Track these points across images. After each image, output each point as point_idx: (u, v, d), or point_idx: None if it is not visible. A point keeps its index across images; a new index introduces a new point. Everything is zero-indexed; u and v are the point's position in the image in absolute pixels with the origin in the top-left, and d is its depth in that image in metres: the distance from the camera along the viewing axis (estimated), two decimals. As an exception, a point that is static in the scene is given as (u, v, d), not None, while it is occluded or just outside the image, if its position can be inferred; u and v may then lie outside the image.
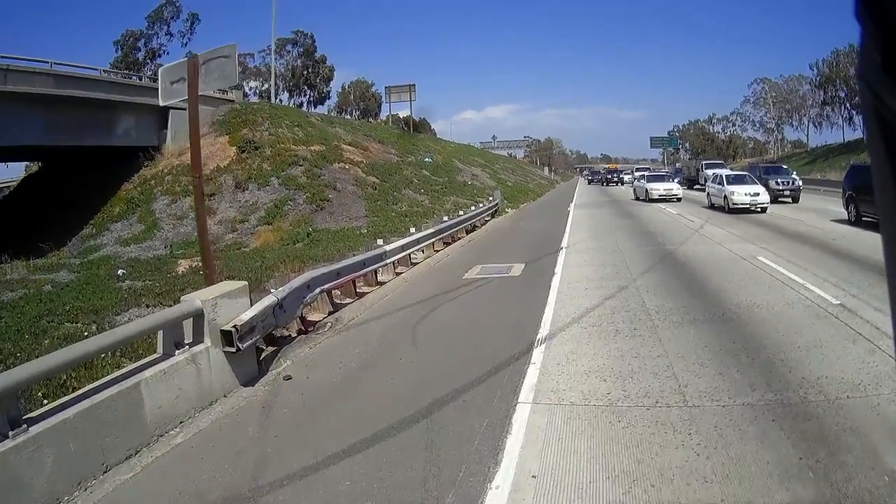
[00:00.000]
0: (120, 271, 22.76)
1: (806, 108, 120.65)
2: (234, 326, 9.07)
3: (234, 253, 28.04)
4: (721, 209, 35.92)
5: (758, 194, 34.35)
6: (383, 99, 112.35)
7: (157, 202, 37.91)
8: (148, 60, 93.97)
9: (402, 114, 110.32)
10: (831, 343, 9.87)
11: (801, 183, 44.66)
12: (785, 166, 52.59)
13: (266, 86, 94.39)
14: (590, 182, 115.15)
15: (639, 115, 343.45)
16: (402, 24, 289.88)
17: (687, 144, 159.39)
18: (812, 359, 9.13)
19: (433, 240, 22.63)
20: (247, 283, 10.64)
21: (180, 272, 22.05)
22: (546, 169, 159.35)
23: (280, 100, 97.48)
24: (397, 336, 12.18)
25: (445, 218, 27.14)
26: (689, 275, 16.57)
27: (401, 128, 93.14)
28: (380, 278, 17.39)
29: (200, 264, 17.20)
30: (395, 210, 38.20)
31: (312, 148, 45.00)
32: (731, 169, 51.83)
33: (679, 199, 46.03)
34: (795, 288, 13.99)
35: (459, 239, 27.08)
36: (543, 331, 11.67)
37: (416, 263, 20.46)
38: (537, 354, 10.21)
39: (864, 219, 25.39)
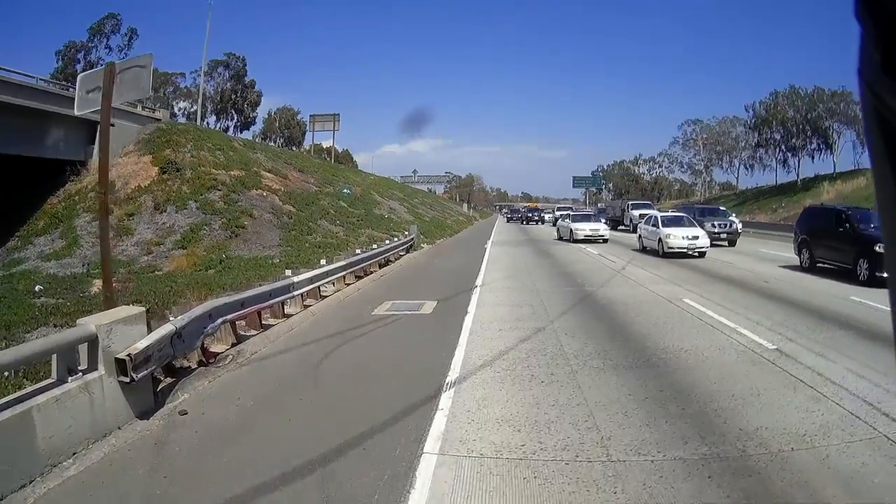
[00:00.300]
0: (38, 287, 23.51)
1: (738, 150, 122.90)
2: (129, 355, 8.43)
3: (148, 276, 28.23)
4: (654, 253, 33.40)
5: (696, 237, 31.86)
6: (308, 127, 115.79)
7: (80, 219, 37.22)
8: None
9: (326, 144, 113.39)
10: (770, 391, 9.32)
11: (739, 226, 44.02)
12: (722, 207, 52.24)
13: (195, 107, 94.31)
14: (508, 220, 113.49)
15: (562, 155, 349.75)
16: (331, 54, 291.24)
17: (611, 185, 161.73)
18: (749, 408, 8.54)
19: (344, 273, 21.91)
20: (144, 308, 9.95)
21: (93, 292, 22.21)
22: (465, 205, 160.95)
23: (207, 122, 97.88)
24: (299, 373, 11.33)
25: (358, 251, 26.31)
26: (610, 317, 15.89)
27: (323, 158, 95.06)
28: (287, 311, 16.54)
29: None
30: (309, 240, 37.97)
31: (232, 173, 44.90)
32: (659, 210, 51.09)
33: (606, 241, 43.91)
34: (726, 332, 13.48)
35: (372, 273, 26.26)
36: (453, 374, 10.80)
37: (325, 297, 19.61)
38: (445, 399, 9.37)
39: (819, 265, 24.33)
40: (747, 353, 11.66)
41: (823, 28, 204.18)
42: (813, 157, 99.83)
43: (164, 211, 38.15)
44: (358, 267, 23.87)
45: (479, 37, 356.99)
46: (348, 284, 22.35)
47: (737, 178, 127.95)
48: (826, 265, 23.70)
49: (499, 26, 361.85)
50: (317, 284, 18.57)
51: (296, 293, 16.63)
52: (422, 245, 43.87)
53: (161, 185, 40.61)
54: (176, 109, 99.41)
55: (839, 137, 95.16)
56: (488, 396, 9.48)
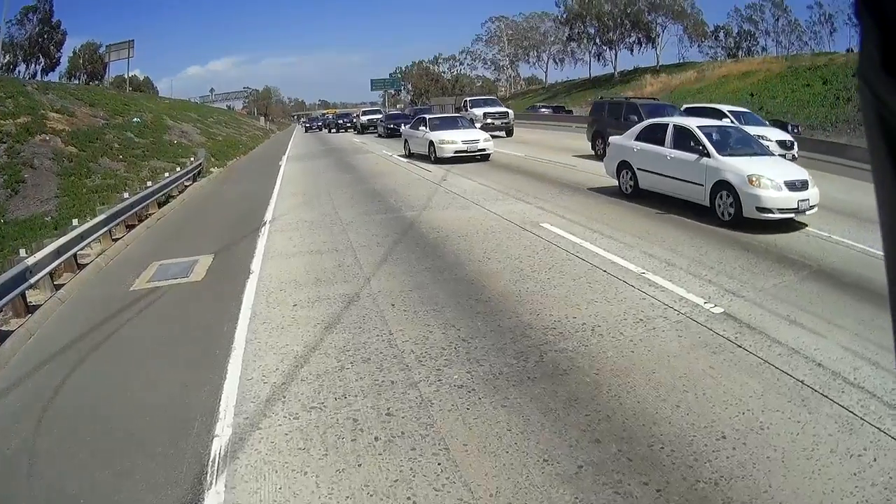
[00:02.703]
0: None
1: (547, 45, 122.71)
2: None
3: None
4: (694, 210, 14.86)
5: (805, 184, 13.83)
6: (106, 59, 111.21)
7: None
8: None
9: (132, 74, 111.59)
10: (771, 414, 5.73)
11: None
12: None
13: (8, 57, 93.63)
14: (307, 130, 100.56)
15: (360, 59, 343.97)
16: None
17: (409, 86, 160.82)
18: (766, 464, 4.97)
19: (109, 227, 17.14)
20: None
21: None
22: (263, 119, 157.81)
23: (18, 71, 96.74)
24: (15, 438, 6.57)
25: (126, 195, 20.87)
26: (451, 265, 11.41)
27: (123, 88, 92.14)
28: (32, 299, 12.08)
29: None
30: (87, 185, 33.57)
31: (19, 121, 39.34)
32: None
33: (487, 157, 28.19)
34: (633, 283, 9.61)
35: (149, 217, 21.17)
36: (224, 431, 6.19)
37: (85, 265, 14.89)
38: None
39: None
40: (688, 325, 7.83)
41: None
42: (632, 51, 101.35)
43: (-48, 176, 33.02)
44: (129, 214, 19.21)
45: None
46: (117, 239, 17.67)
47: (545, 72, 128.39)
48: None
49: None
50: (70, 254, 13.89)
51: (35, 279, 11.85)
52: (211, 170, 39.88)
53: (-48, 147, 35.20)
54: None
55: (663, 31, 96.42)
56: (290, 493, 5.09)
